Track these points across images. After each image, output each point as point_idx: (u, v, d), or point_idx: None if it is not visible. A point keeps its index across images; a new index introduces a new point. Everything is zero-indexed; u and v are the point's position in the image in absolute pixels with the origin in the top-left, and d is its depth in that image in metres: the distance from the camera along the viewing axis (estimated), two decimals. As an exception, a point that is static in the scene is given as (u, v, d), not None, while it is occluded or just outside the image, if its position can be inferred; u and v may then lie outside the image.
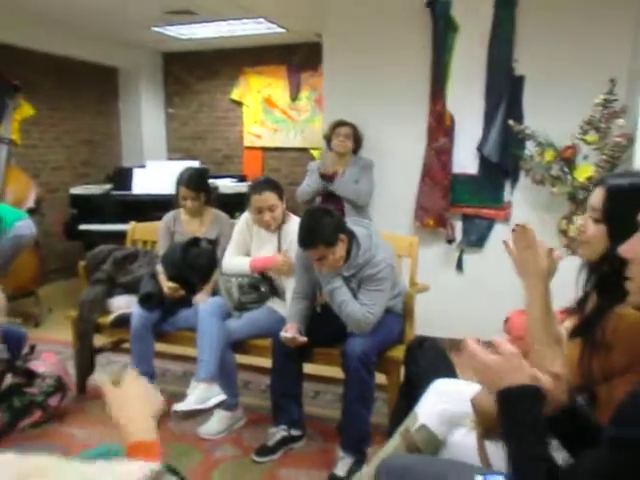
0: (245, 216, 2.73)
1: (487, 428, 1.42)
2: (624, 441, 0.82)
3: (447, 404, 1.62)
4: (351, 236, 2.26)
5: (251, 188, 2.57)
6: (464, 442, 1.54)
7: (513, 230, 1.40)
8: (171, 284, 2.67)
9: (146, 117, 6.14)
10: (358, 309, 2.24)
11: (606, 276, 1.27)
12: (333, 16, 3.65)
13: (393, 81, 3.54)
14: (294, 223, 2.61)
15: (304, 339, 2.32)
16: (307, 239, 2.18)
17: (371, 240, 2.29)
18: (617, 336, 1.16)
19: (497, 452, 1.41)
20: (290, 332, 2.30)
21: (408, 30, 3.46)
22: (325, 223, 2.16)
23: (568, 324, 1.45)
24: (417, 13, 3.40)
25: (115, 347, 3.17)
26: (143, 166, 4.64)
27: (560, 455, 1.22)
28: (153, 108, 6.24)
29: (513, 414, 0.98)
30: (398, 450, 1.62)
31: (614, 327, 1.17)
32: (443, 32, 3.35)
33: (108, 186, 4.61)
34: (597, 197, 1.29)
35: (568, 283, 1.38)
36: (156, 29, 5.09)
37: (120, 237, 3.34)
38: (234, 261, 2.68)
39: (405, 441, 1.63)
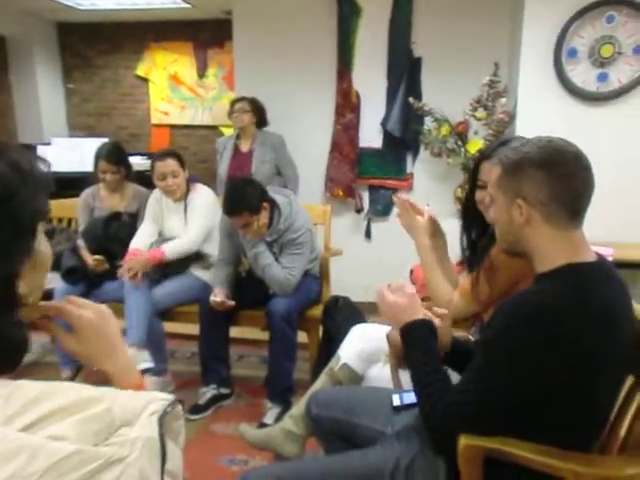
0: (154, 192, 2.83)
1: (399, 358, 1.68)
2: (485, 340, 1.09)
3: (364, 344, 1.87)
4: (273, 204, 2.43)
5: (154, 157, 2.74)
6: (380, 375, 1.80)
7: (393, 203, 1.71)
8: (97, 256, 2.70)
9: (43, 92, 5.82)
10: (280, 271, 2.43)
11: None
12: (242, -6, 3.74)
13: (302, 60, 3.71)
14: (198, 191, 2.78)
15: (232, 303, 2.47)
16: (232, 207, 2.32)
17: (291, 207, 2.48)
18: (499, 259, 1.44)
19: (408, 379, 1.68)
20: (219, 296, 2.45)
21: (315, 11, 3.63)
22: (249, 191, 2.32)
23: (464, 275, 1.74)
24: (323, -5, 3.59)
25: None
26: (48, 143, 4.48)
27: None
28: (50, 82, 5.94)
29: (412, 341, 1.24)
30: (325, 386, 1.85)
31: (497, 252, 1.45)
32: (347, 14, 3.57)
33: (9, 164, 4.40)
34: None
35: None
36: (51, -2, 4.86)
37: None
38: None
39: (330, 379, 1.87)
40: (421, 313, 1.26)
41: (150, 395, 0.80)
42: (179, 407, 0.89)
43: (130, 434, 0.74)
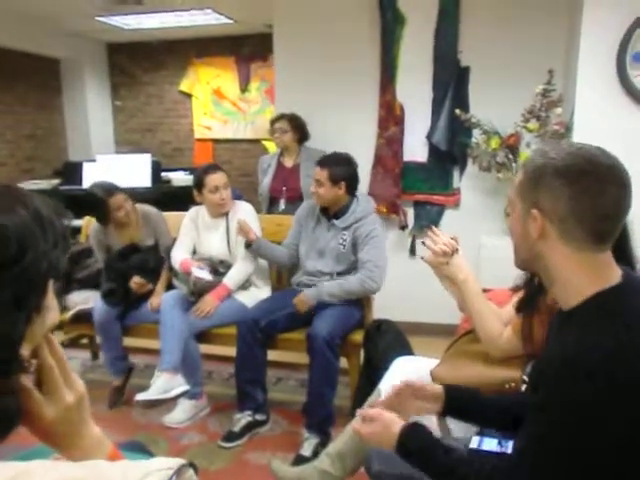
0: (189, 213, 2.78)
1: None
2: (534, 404, 0.95)
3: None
4: (352, 194, 2.54)
5: (203, 171, 2.66)
6: (426, 415, 1.64)
7: (422, 243, 1.70)
8: (138, 279, 2.65)
9: (92, 110, 5.97)
10: (354, 280, 2.44)
11: None
12: (283, 7, 3.68)
13: (344, 72, 3.60)
14: (241, 208, 2.74)
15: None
16: (325, 159, 2.53)
17: (369, 204, 2.59)
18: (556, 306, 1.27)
19: (456, 422, 1.52)
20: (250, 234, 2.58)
21: (358, 22, 3.52)
22: (343, 163, 2.51)
23: (515, 299, 1.57)
24: (366, 5, 3.48)
25: (73, 343, 3.14)
26: (93, 160, 4.54)
27: None
28: (99, 100, 6.08)
29: (414, 455, 1.14)
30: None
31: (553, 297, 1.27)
32: (391, 24, 3.44)
33: (56, 181, 4.49)
34: None
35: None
36: (100, 19, 4.97)
37: (72, 232, 3.27)
38: (173, 260, 2.71)
39: (369, 416, 1.71)
40: (397, 422, 1.18)
41: (148, 466, 0.69)
42: (190, 472, 0.77)
43: None
